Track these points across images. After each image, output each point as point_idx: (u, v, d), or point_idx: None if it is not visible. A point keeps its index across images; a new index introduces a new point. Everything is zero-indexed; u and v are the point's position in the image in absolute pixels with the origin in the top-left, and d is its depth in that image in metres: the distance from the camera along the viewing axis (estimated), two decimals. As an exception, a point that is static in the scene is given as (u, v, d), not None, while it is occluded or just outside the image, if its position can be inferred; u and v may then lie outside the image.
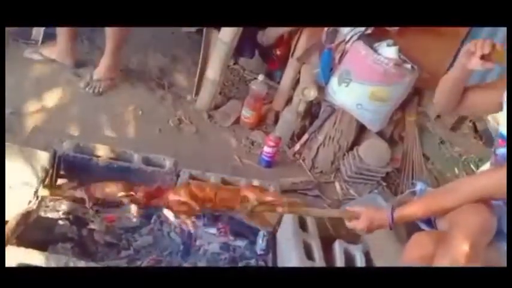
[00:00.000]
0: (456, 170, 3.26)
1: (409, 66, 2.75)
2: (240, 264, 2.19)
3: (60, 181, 2.11)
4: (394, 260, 1.98)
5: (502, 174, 1.61)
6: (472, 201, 1.69)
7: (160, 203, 1.93)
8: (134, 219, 2.16)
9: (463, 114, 1.96)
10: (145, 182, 2.15)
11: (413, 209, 1.84)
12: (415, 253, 1.81)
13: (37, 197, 1.93)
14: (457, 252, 1.58)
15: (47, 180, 2.00)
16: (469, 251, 1.57)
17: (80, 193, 1.90)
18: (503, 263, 1.61)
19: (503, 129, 1.77)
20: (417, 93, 3.25)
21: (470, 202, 1.69)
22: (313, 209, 2.21)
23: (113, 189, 1.88)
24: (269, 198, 1.91)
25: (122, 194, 1.87)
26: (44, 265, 1.68)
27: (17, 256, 1.67)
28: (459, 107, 1.97)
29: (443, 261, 1.61)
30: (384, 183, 3.18)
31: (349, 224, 1.95)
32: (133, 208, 1.92)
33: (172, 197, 1.88)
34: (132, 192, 1.87)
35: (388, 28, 2.72)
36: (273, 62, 3.56)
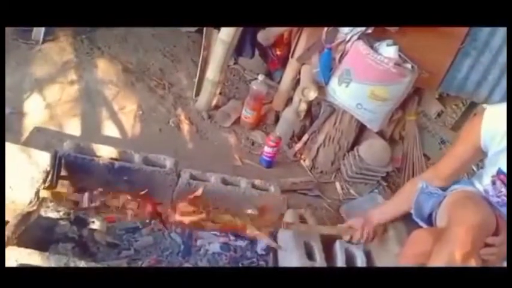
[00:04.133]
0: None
1: (409, 65, 2.75)
2: (241, 265, 2.19)
3: (63, 185, 2.11)
4: (394, 260, 1.98)
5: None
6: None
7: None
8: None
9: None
10: (146, 183, 2.16)
11: (384, 213, 2.13)
12: (414, 249, 1.83)
13: (38, 197, 1.94)
14: (455, 248, 1.59)
15: (48, 180, 2.00)
16: (467, 247, 1.58)
17: (86, 201, 1.94)
18: None
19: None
20: (417, 93, 3.25)
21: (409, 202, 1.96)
22: (310, 226, 2.28)
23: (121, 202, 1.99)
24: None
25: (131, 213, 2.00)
26: (44, 265, 1.68)
27: (17, 256, 1.67)
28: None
29: (440, 256, 1.62)
30: (385, 183, 3.18)
31: (346, 237, 2.16)
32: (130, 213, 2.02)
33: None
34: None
35: (388, 28, 2.71)
36: (273, 62, 3.55)
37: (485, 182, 1.88)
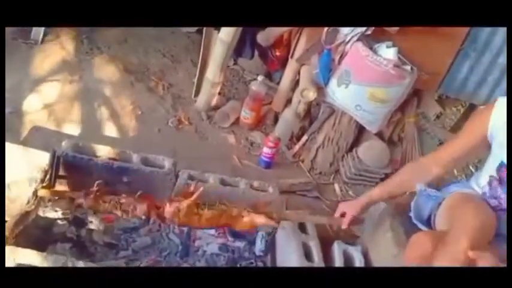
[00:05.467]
0: (455, 171, 3.26)
1: (408, 67, 2.75)
2: (239, 265, 2.19)
3: (61, 185, 2.11)
4: (392, 261, 1.98)
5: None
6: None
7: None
8: (132, 219, 2.17)
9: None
10: (145, 183, 2.16)
11: (372, 196, 2.09)
12: (414, 253, 1.82)
13: (36, 197, 1.93)
14: (457, 252, 1.58)
15: (46, 180, 1.99)
16: (468, 250, 1.57)
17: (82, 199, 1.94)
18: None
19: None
20: (416, 95, 3.25)
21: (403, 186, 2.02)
22: (305, 216, 2.29)
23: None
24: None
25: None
26: (42, 265, 1.67)
27: (15, 256, 1.66)
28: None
29: (442, 261, 1.61)
30: (383, 185, 3.18)
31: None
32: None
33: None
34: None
35: (387, 29, 2.71)
36: (272, 62, 3.55)
37: (483, 183, 1.87)
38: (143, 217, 1.97)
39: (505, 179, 1.76)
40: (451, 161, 1.95)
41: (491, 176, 1.82)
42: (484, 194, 1.87)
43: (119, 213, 1.95)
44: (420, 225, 1.98)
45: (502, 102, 1.76)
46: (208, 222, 2.01)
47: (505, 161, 1.74)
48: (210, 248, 2.22)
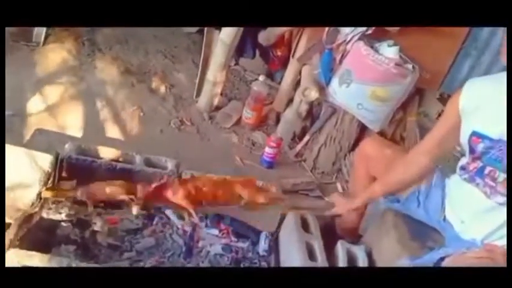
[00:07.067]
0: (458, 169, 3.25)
1: (410, 66, 2.75)
2: (243, 266, 2.19)
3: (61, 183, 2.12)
4: (396, 261, 1.98)
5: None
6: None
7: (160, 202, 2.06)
8: (135, 220, 2.18)
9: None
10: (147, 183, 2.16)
11: (373, 189, 2.15)
12: (361, 153, 2.24)
13: (40, 199, 1.94)
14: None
15: (50, 182, 2.00)
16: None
17: (80, 194, 1.94)
18: None
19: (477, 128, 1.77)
20: (418, 93, 3.25)
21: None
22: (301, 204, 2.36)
23: (114, 190, 1.98)
24: (261, 201, 2.13)
25: (123, 196, 1.97)
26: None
27: (19, 258, 1.67)
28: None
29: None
30: (385, 184, 3.17)
31: (328, 212, 2.30)
32: (135, 209, 2.01)
33: (171, 197, 2.05)
34: (132, 196, 1.98)
35: (388, 28, 2.72)
36: (273, 62, 3.56)
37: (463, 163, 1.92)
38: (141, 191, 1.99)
39: (477, 147, 1.77)
40: (435, 149, 1.98)
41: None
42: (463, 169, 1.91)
43: (122, 193, 1.96)
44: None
45: (468, 85, 1.81)
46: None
47: (476, 129, 1.75)
48: (213, 248, 2.22)
